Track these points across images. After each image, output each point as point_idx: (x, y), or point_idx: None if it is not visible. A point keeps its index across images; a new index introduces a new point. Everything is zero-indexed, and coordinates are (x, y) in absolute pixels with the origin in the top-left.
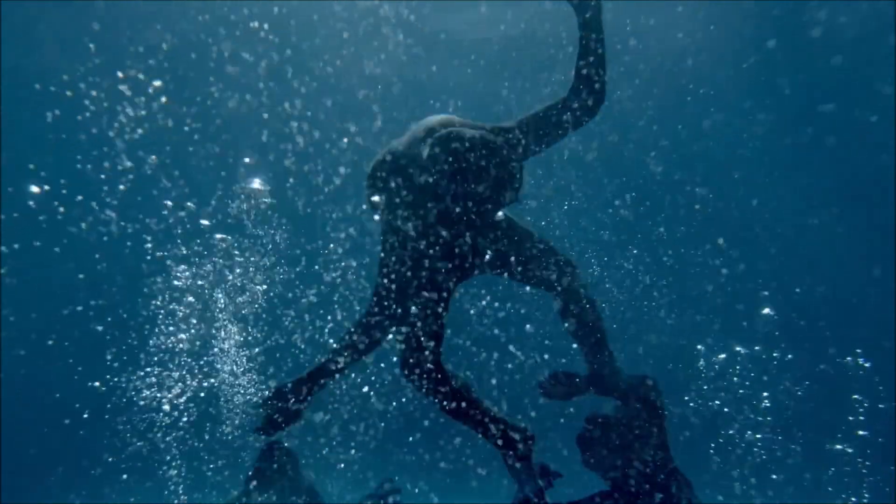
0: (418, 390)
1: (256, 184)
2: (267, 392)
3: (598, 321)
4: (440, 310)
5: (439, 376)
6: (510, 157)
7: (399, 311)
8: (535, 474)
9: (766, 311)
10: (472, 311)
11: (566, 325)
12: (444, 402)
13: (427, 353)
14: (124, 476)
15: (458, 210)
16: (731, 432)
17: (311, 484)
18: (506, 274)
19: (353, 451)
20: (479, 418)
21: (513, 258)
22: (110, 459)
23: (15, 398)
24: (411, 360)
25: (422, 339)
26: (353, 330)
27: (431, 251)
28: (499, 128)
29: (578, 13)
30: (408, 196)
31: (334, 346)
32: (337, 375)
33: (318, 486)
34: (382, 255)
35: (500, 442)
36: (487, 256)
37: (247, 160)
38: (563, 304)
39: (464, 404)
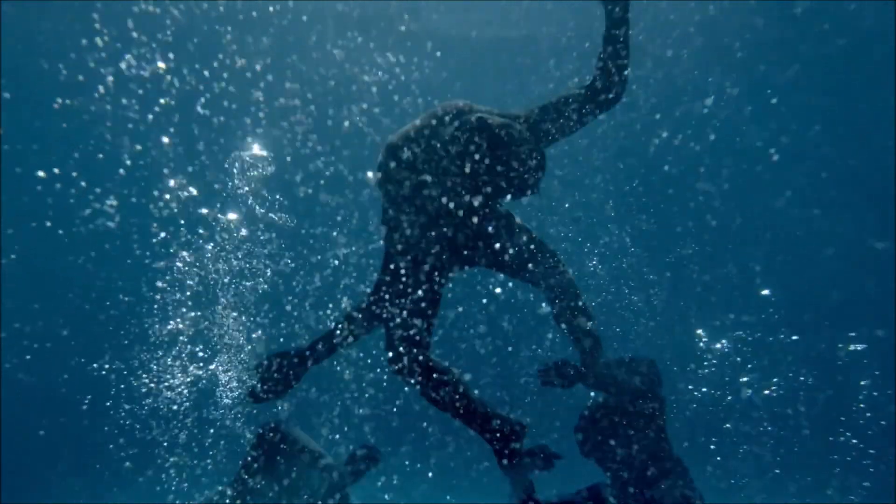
0: (405, 380)
1: (256, 149)
2: (264, 358)
3: (587, 317)
4: (434, 298)
5: (427, 367)
6: (533, 146)
7: (397, 296)
8: (527, 471)
9: (765, 292)
10: (485, 301)
11: (557, 320)
12: (431, 394)
13: (416, 344)
14: (127, 464)
15: (475, 192)
16: (727, 426)
17: (338, 483)
18: (500, 266)
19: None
20: (469, 411)
21: (509, 251)
22: (111, 446)
23: (16, 390)
24: (399, 351)
25: (412, 330)
26: (353, 311)
27: (439, 231)
28: (520, 115)
29: (606, 7)
30: (425, 175)
31: (334, 324)
32: (332, 353)
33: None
34: (386, 235)
35: (490, 434)
36: (493, 243)
37: (249, 139)
38: (554, 300)
39: (452, 396)
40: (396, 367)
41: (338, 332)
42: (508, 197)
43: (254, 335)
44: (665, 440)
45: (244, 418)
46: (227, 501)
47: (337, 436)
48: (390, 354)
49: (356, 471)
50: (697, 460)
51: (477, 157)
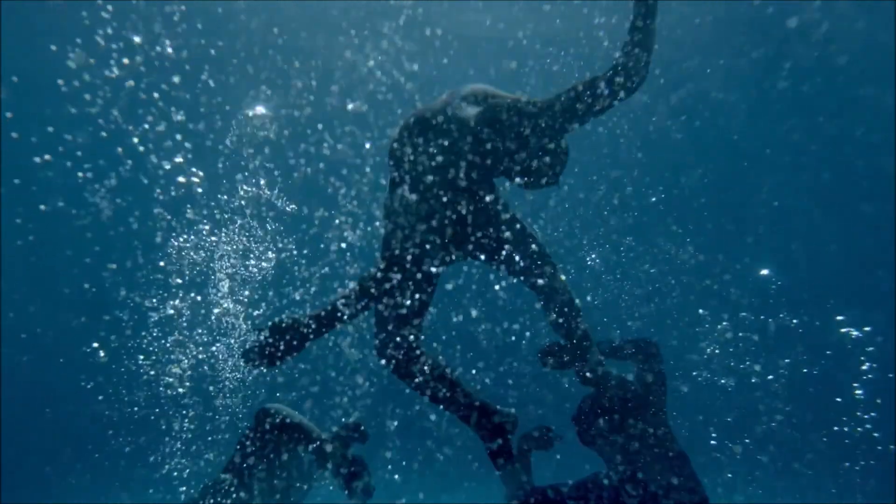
0: (392, 368)
1: (260, 110)
2: (268, 322)
3: (578, 316)
4: (430, 287)
5: (416, 356)
6: (558, 136)
7: (393, 281)
8: (520, 467)
9: (765, 272)
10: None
11: (549, 319)
12: (419, 383)
13: (406, 332)
14: (126, 449)
15: (490, 176)
16: (728, 419)
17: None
18: (492, 260)
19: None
20: (458, 401)
21: (503, 244)
22: (110, 431)
23: (15, 385)
24: (388, 339)
25: (403, 317)
26: (359, 286)
27: (445, 214)
28: (541, 102)
29: None
30: (442, 154)
31: (338, 299)
32: (332, 328)
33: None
34: (388, 216)
35: (479, 426)
36: (496, 230)
37: (259, 108)
38: (545, 299)
39: (440, 386)
40: (384, 355)
41: (341, 306)
42: (518, 181)
43: (254, 313)
44: (667, 430)
45: (242, 404)
46: (224, 488)
47: (348, 421)
48: (378, 342)
49: (344, 443)
50: (695, 453)
51: (500, 141)
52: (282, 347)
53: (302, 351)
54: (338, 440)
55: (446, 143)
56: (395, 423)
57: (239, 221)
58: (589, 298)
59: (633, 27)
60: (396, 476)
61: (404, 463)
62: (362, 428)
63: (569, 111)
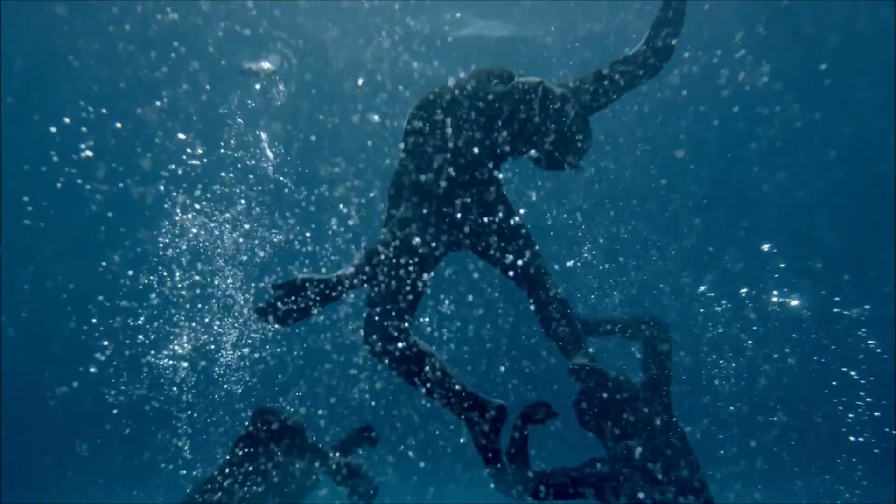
0: (380, 357)
1: (265, 64)
2: (290, 279)
3: (571, 318)
4: (425, 272)
5: (406, 346)
6: (584, 120)
7: (390, 267)
8: (512, 463)
9: (767, 247)
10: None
11: (539, 318)
12: (408, 373)
13: (397, 320)
14: (126, 431)
15: (508, 155)
16: (732, 407)
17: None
18: (489, 246)
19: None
20: (448, 391)
21: (511, 227)
22: (114, 412)
23: (15, 385)
24: (378, 327)
25: (395, 305)
26: (361, 260)
27: (455, 194)
28: (569, 82)
29: None
30: (463, 131)
31: (349, 265)
32: (342, 295)
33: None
34: (394, 197)
35: (469, 415)
36: (499, 219)
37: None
38: (536, 292)
39: (430, 377)
40: (373, 344)
41: (348, 276)
42: (540, 158)
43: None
44: (669, 415)
45: (242, 400)
46: (217, 487)
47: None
48: (369, 330)
49: (348, 448)
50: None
51: (524, 120)
52: (294, 308)
53: (312, 315)
54: (345, 444)
55: (467, 120)
56: (397, 421)
57: (239, 194)
58: (579, 293)
59: (663, 10)
60: (412, 454)
61: (402, 446)
62: (374, 434)
63: (595, 92)
